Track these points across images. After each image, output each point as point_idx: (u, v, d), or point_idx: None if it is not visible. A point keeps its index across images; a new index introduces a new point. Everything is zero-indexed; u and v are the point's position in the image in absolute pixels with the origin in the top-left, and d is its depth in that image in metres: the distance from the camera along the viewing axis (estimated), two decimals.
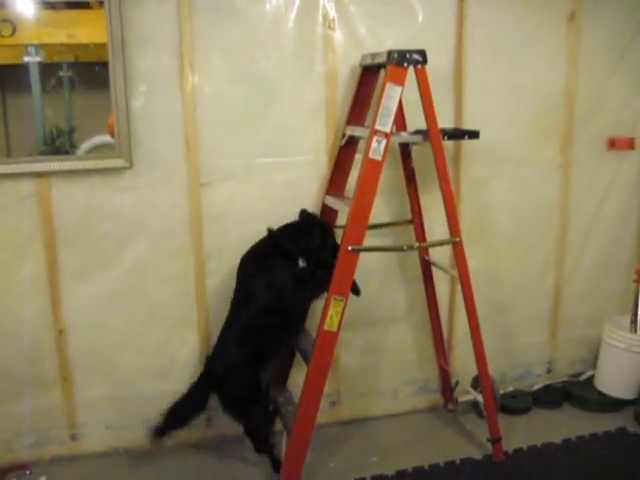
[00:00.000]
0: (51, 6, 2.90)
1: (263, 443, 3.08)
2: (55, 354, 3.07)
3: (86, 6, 2.91)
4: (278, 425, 3.25)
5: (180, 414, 2.97)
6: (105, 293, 3.08)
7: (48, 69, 2.97)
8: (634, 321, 3.72)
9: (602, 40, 3.57)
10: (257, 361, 2.90)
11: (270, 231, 2.92)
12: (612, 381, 3.72)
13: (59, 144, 3.00)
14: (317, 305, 3.06)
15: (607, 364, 3.76)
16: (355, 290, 2.84)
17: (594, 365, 3.86)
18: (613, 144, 3.72)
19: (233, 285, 2.96)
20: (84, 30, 2.93)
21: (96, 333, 3.11)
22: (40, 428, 3.14)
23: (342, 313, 2.69)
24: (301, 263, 2.87)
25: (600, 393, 3.72)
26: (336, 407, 3.51)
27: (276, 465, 2.99)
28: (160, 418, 2.94)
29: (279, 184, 3.16)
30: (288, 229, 2.95)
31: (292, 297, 2.86)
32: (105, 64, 2.85)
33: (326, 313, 2.67)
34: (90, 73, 3.03)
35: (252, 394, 2.92)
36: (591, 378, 3.86)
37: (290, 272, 2.86)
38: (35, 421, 3.12)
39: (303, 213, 3.03)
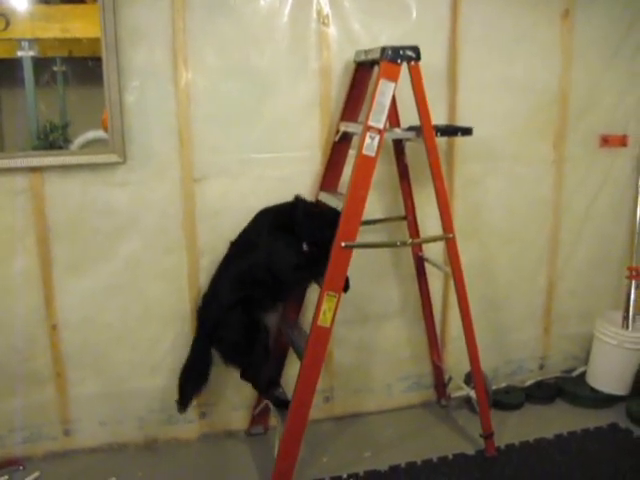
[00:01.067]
0: (45, 0, 2.90)
1: (264, 385, 3.07)
2: (48, 349, 3.06)
3: (80, 0, 2.91)
4: (273, 421, 3.27)
5: (191, 377, 2.99)
6: (99, 288, 3.07)
7: (42, 64, 2.97)
8: (626, 317, 3.74)
9: (596, 37, 3.58)
10: (251, 307, 2.89)
11: (297, 198, 2.94)
12: (604, 377, 3.74)
13: (52, 139, 2.99)
14: (310, 301, 3.08)
15: (599, 360, 3.77)
16: (345, 286, 2.83)
17: (586, 361, 3.88)
18: (606, 141, 3.73)
19: None
20: (78, 25, 2.92)
21: (89, 328, 3.10)
22: (33, 424, 3.13)
23: (335, 309, 2.69)
24: (304, 247, 2.87)
25: (592, 389, 3.73)
26: (329, 403, 3.52)
27: (279, 403, 2.98)
28: (176, 390, 2.99)
29: (273, 180, 3.15)
30: (309, 207, 2.95)
31: (293, 275, 2.87)
32: (99, 59, 2.84)
33: (319, 309, 2.67)
34: (84, 68, 3.02)
35: (249, 337, 2.90)
36: (583, 374, 3.88)
37: (294, 251, 2.86)
38: (28, 417, 3.12)
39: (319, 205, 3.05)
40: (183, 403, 3.00)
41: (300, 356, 2.78)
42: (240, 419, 3.40)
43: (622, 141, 3.77)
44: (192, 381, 3.00)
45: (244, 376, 3.06)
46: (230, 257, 2.95)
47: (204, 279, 3.13)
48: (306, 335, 2.78)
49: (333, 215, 2.75)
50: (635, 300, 3.75)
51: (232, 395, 3.35)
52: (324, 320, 2.69)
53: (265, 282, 2.86)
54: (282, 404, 2.96)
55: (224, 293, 2.91)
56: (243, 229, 2.96)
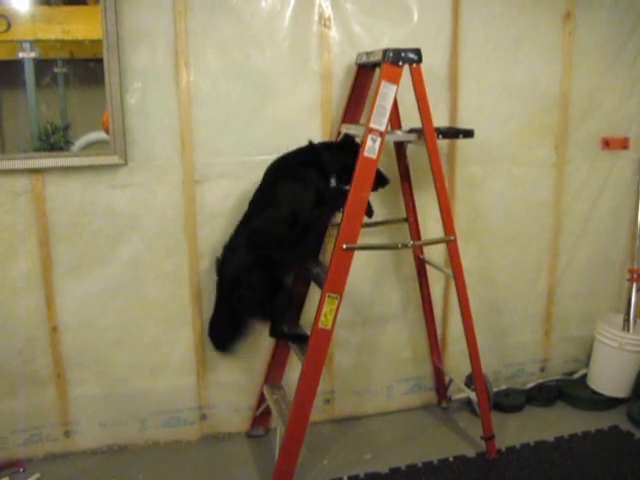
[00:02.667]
0: (46, 2, 2.90)
1: (280, 332, 3.06)
2: (49, 351, 3.06)
3: (81, 2, 2.92)
4: (273, 423, 3.27)
5: (218, 333, 3.10)
6: (99, 290, 3.07)
7: (43, 65, 2.96)
8: (627, 320, 3.74)
9: (597, 40, 3.58)
10: (269, 267, 2.88)
11: (311, 142, 2.92)
12: (605, 380, 3.73)
13: (53, 140, 2.98)
14: (312, 302, 3.08)
15: (600, 363, 3.77)
16: (369, 211, 2.83)
17: (587, 364, 3.88)
18: (607, 144, 3.73)
19: None
20: (79, 26, 2.92)
21: (90, 330, 3.10)
22: (33, 425, 3.13)
23: (336, 311, 2.68)
24: (333, 182, 2.86)
25: (593, 391, 3.73)
26: (330, 405, 3.52)
27: (299, 340, 2.98)
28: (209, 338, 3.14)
29: None
30: (328, 144, 2.94)
31: (311, 214, 2.85)
32: (100, 60, 2.84)
33: (320, 311, 2.67)
34: (85, 69, 3.02)
35: (272, 290, 2.91)
36: (584, 377, 3.87)
37: (317, 188, 2.84)
38: (28, 418, 3.11)
39: (345, 137, 3.01)
40: (220, 349, 3.15)
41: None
42: (241, 421, 3.39)
43: (623, 144, 3.77)
44: (219, 333, 3.10)
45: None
46: (250, 213, 2.92)
47: (205, 281, 3.14)
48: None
49: (349, 144, 2.85)
50: (636, 303, 3.75)
51: (233, 396, 3.35)
52: (325, 322, 2.68)
53: (281, 239, 2.85)
54: (300, 339, 2.97)
55: (240, 254, 2.88)
56: (258, 187, 2.94)
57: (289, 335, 3.08)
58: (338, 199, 2.79)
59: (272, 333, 3.05)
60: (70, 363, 3.11)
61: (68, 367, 3.11)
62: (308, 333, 2.85)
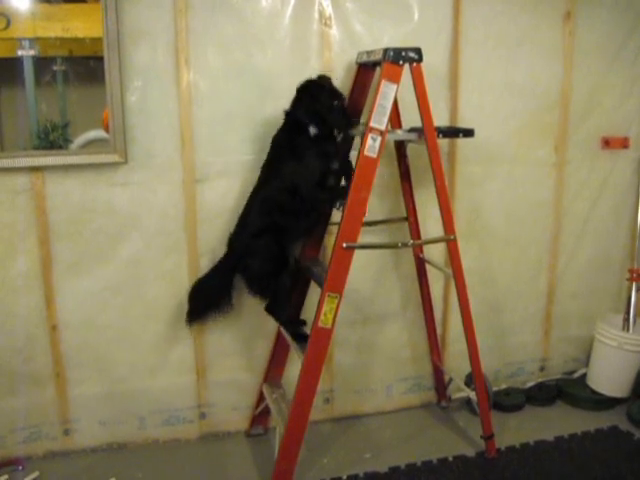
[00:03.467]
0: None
1: (285, 317, 3.06)
2: (48, 350, 3.06)
3: (81, 0, 2.91)
4: (273, 422, 3.26)
5: (204, 292, 3.00)
6: (99, 289, 3.07)
7: (42, 63, 2.95)
8: (627, 319, 3.74)
9: (597, 40, 3.59)
10: (279, 236, 2.87)
11: (286, 112, 2.91)
12: (605, 379, 3.73)
13: (53, 138, 2.98)
14: (312, 301, 3.08)
15: (600, 362, 3.77)
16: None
17: (587, 363, 3.88)
18: (607, 143, 3.73)
19: None
20: (79, 24, 2.91)
21: (90, 329, 3.10)
22: (33, 424, 3.13)
23: (336, 310, 2.68)
24: (312, 130, 2.85)
25: (593, 391, 3.73)
26: (330, 404, 3.52)
27: (299, 338, 2.94)
28: (187, 299, 3.01)
29: None
30: (297, 96, 2.91)
31: (314, 174, 2.84)
32: (100, 58, 2.83)
33: (320, 310, 2.66)
34: (85, 67, 3.02)
35: (277, 265, 2.89)
36: (584, 376, 3.88)
37: (314, 149, 2.84)
38: (28, 417, 3.11)
39: (308, 81, 2.96)
40: (191, 316, 3.02)
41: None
42: (240, 419, 3.39)
43: (623, 143, 3.77)
44: (203, 297, 3.00)
45: (268, 309, 3.04)
46: (260, 183, 2.92)
47: None
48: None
49: (315, 86, 2.88)
50: (636, 302, 3.76)
51: (232, 395, 3.35)
52: (325, 321, 2.68)
53: (290, 207, 2.84)
54: (300, 337, 2.94)
55: (252, 219, 2.88)
56: (267, 156, 2.94)
57: (293, 328, 3.05)
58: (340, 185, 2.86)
59: (278, 318, 3.04)
60: (70, 362, 3.11)
61: (68, 366, 3.11)
62: (308, 332, 2.85)
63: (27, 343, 3.03)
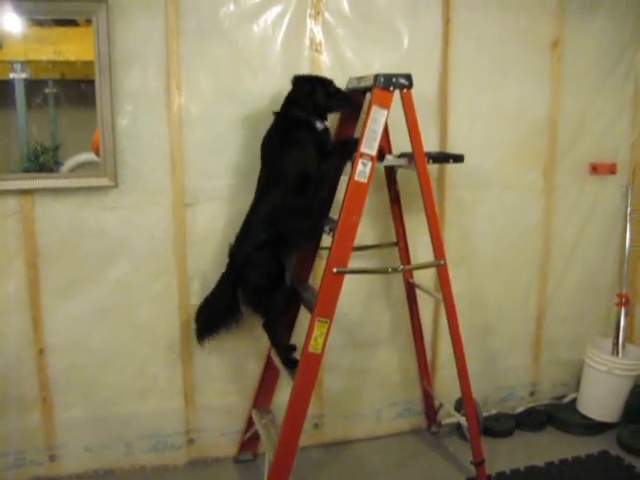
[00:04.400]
0: (38, 23, 2.89)
1: (279, 340, 3.03)
2: (35, 374, 3.03)
3: (73, 23, 2.92)
4: (261, 447, 3.24)
5: (209, 311, 2.97)
6: (87, 312, 3.05)
7: (33, 86, 2.95)
8: (616, 344, 3.75)
9: (585, 67, 3.63)
10: (280, 246, 2.85)
11: (276, 113, 2.92)
12: (594, 404, 3.73)
13: (43, 161, 2.97)
14: (302, 326, 3.06)
15: (589, 387, 3.77)
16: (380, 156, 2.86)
17: (577, 388, 3.88)
18: (595, 169, 3.76)
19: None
20: (71, 47, 2.92)
21: (77, 353, 3.07)
22: (18, 449, 3.08)
23: (326, 335, 2.67)
24: (319, 125, 2.87)
25: (583, 416, 3.73)
26: (319, 429, 3.49)
27: (289, 364, 2.92)
28: (195, 318, 3.01)
29: None
30: (290, 99, 2.93)
31: (318, 167, 2.84)
32: (91, 81, 2.85)
33: (310, 335, 2.65)
34: (76, 90, 3.01)
35: (274, 281, 2.87)
36: (574, 401, 3.87)
37: (313, 139, 2.85)
38: (13, 442, 3.06)
39: (295, 78, 2.98)
40: (199, 335, 3.00)
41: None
42: (229, 445, 3.36)
43: (611, 169, 3.80)
44: (206, 316, 2.98)
45: (265, 326, 3.02)
46: (260, 194, 2.90)
47: (194, 303, 3.11)
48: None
49: (303, 82, 2.93)
50: (625, 327, 3.76)
51: (221, 420, 3.32)
52: (315, 346, 2.67)
53: (297, 210, 2.83)
54: (291, 363, 2.92)
55: (255, 231, 2.85)
56: (260, 170, 2.93)
57: (284, 353, 3.02)
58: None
59: (271, 338, 3.03)
60: (57, 386, 3.07)
61: (54, 390, 3.08)
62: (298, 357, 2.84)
63: (15, 366, 3.00)
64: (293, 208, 2.83)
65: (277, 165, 2.87)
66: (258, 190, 2.92)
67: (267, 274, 2.87)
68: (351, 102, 2.98)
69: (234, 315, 2.97)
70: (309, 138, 2.85)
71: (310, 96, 2.87)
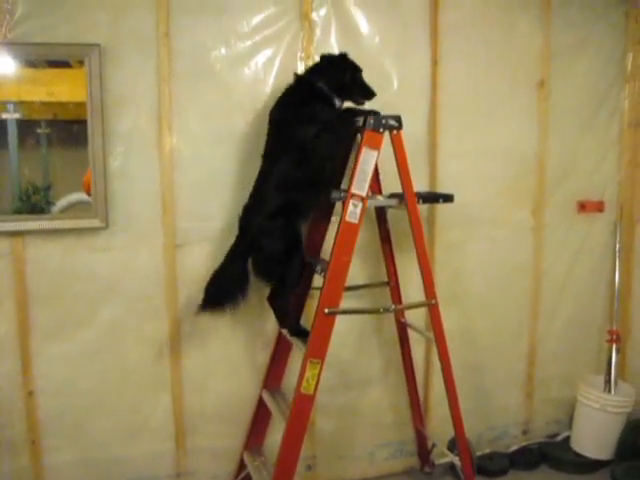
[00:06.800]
0: (31, 64, 2.92)
1: (289, 308, 2.99)
2: (24, 416, 2.98)
3: (66, 65, 2.95)
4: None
5: (218, 282, 2.88)
6: (78, 354, 3.02)
7: (26, 126, 2.96)
8: (608, 381, 3.75)
9: (572, 106, 3.70)
10: (293, 216, 2.82)
11: (297, 75, 2.90)
12: (588, 441, 3.72)
13: (34, 201, 2.97)
14: (294, 366, 3.05)
15: (582, 424, 3.76)
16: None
17: (570, 426, 3.86)
18: (583, 207, 3.80)
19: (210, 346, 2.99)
20: (63, 88, 2.95)
21: (67, 395, 3.04)
22: None
23: (318, 376, 2.66)
24: (337, 103, 2.86)
25: (576, 454, 3.71)
26: (312, 471, 3.45)
27: (301, 333, 2.89)
28: (202, 293, 2.88)
29: None
30: (314, 68, 2.91)
31: (330, 143, 2.83)
32: (84, 122, 2.87)
33: (302, 376, 2.64)
34: (68, 131, 3.03)
35: (290, 246, 2.82)
36: (567, 439, 3.85)
37: (328, 117, 2.83)
38: None
39: (323, 55, 2.97)
40: (204, 307, 2.87)
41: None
42: None
43: (599, 207, 3.84)
44: (217, 288, 2.88)
45: (271, 298, 2.99)
46: (269, 164, 2.87)
47: (185, 345, 3.11)
48: (289, 401, 2.73)
49: (338, 59, 2.92)
50: (616, 363, 3.77)
51: (212, 463, 3.28)
52: (307, 387, 2.66)
53: (305, 181, 2.81)
54: (302, 333, 2.88)
55: (269, 198, 2.81)
56: (267, 138, 2.92)
57: (296, 323, 3.00)
58: (347, 119, 2.85)
59: (281, 307, 2.97)
60: (46, 428, 3.03)
61: (43, 433, 3.03)
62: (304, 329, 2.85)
63: (3, 409, 2.96)
64: (303, 178, 2.81)
65: (289, 135, 2.84)
66: (266, 156, 2.90)
67: (283, 240, 2.82)
68: (374, 96, 2.93)
69: (242, 287, 2.88)
70: (325, 115, 2.83)
71: (338, 72, 2.86)
